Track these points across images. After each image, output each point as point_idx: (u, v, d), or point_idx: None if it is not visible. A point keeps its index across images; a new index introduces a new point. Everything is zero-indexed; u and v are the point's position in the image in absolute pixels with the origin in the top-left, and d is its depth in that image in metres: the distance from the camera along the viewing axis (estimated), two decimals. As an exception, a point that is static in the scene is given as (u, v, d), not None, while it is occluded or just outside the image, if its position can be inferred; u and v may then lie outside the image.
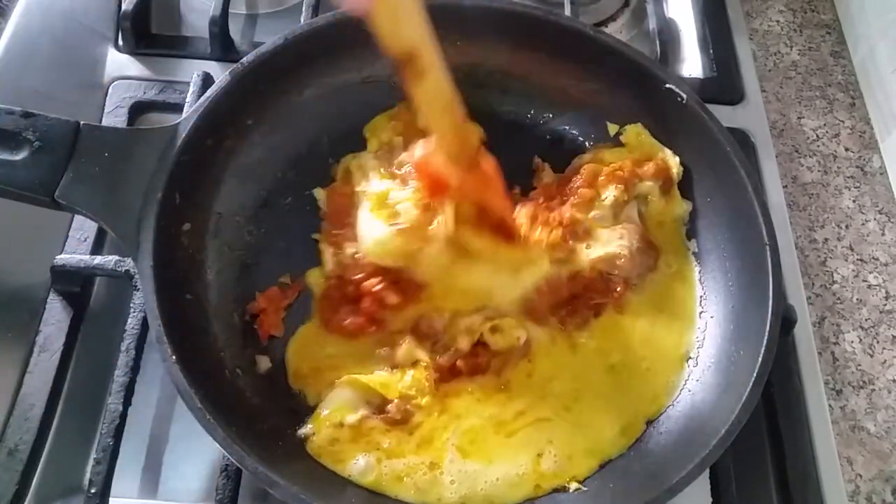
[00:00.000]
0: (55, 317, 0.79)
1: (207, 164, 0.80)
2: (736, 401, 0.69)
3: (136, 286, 0.76)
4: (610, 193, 0.84)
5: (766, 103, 1.04)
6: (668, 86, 0.84)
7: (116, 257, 0.79)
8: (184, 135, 0.75)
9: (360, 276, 0.78)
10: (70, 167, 0.72)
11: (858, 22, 1.14)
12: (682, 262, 0.85)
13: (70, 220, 0.84)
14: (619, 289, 0.81)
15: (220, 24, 0.98)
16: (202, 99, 0.78)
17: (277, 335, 0.78)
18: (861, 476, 0.82)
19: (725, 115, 0.92)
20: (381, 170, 0.84)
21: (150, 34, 1.02)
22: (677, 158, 0.86)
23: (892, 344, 0.91)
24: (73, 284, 0.80)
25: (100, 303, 0.82)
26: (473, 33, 0.89)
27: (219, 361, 0.74)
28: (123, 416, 0.72)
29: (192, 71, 0.93)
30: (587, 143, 0.92)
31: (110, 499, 0.69)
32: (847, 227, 0.99)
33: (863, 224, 1.00)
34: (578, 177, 0.86)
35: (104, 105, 0.94)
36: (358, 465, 0.70)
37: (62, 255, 0.80)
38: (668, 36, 1.07)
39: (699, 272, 0.84)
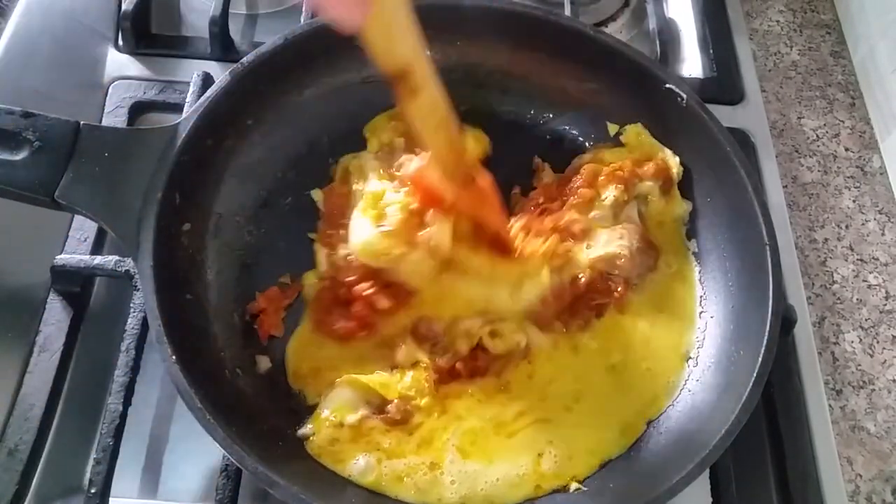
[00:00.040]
0: (55, 317, 0.79)
1: (207, 164, 0.80)
2: (736, 401, 0.69)
3: (136, 286, 0.76)
4: (610, 193, 0.84)
5: (766, 103, 1.04)
6: (668, 86, 0.84)
7: (116, 257, 0.79)
8: (184, 135, 0.75)
9: (352, 278, 0.78)
10: (70, 167, 0.72)
11: (858, 22, 1.14)
12: (682, 262, 0.85)
13: (70, 220, 0.84)
14: (619, 289, 0.81)
15: (220, 24, 0.98)
16: (202, 99, 0.78)
17: (277, 335, 0.78)
18: (861, 476, 0.82)
19: (725, 115, 0.92)
20: (381, 171, 0.84)
21: (150, 34, 1.02)
22: (677, 158, 0.86)
23: (892, 344, 0.91)
24: (73, 284, 0.80)
25: (100, 303, 0.82)
26: (473, 33, 0.89)
27: (219, 361, 0.74)
28: (123, 416, 0.72)
29: (192, 71, 0.93)
30: (587, 143, 0.92)
31: (110, 499, 0.69)
32: (847, 227, 0.99)
33: (863, 224, 1.00)
34: (578, 177, 0.86)
35: (104, 105, 0.94)
36: (358, 466, 0.70)
37: (62, 255, 0.80)
38: (668, 36, 1.07)
39: (699, 272, 0.84)
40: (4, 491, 0.69)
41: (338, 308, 0.78)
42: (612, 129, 0.91)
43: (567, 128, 0.93)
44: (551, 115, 0.94)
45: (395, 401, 0.73)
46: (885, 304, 0.93)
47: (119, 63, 0.99)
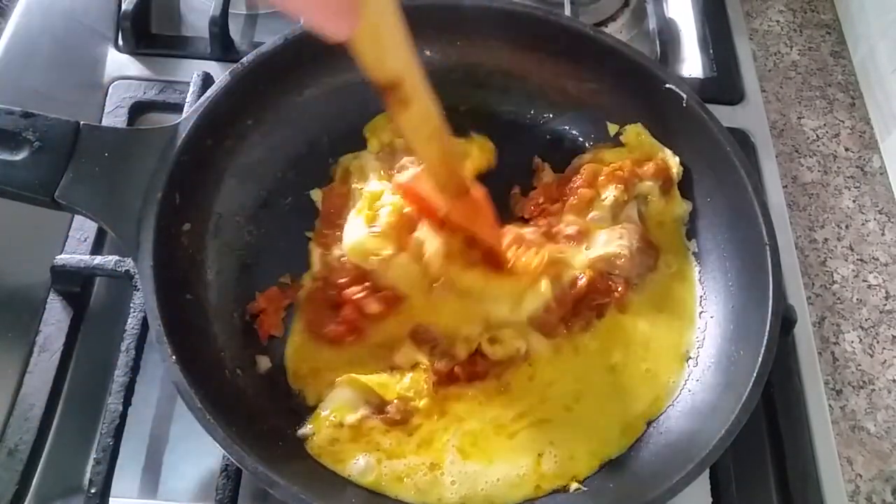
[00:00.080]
0: (55, 317, 0.79)
1: (207, 164, 0.80)
2: (736, 401, 0.69)
3: (136, 286, 0.76)
4: (610, 193, 0.84)
5: (766, 103, 1.04)
6: (668, 86, 0.84)
7: (116, 257, 0.79)
8: (184, 135, 0.75)
9: (343, 280, 0.78)
10: (70, 167, 0.72)
11: (858, 22, 1.14)
12: (682, 262, 0.85)
13: (70, 220, 0.84)
14: (620, 289, 0.80)
15: (220, 24, 0.98)
16: (202, 99, 0.78)
17: (277, 335, 0.78)
18: (861, 476, 0.82)
19: (725, 115, 0.92)
20: (382, 171, 0.84)
21: (150, 34, 1.02)
22: (677, 158, 0.86)
23: (892, 344, 0.91)
24: (73, 284, 0.80)
25: (100, 303, 0.82)
26: (473, 33, 0.89)
27: (219, 361, 0.74)
28: (123, 416, 0.72)
29: (192, 71, 0.93)
30: (587, 143, 0.92)
31: (110, 499, 0.69)
32: (847, 227, 0.99)
33: (863, 224, 1.00)
34: (578, 177, 0.85)
35: (104, 105, 0.94)
36: (358, 465, 0.70)
37: (62, 255, 0.80)
38: (668, 36, 1.07)
39: (699, 272, 0.84)
40: (4, 491, 0.69)
41: (328, 310, 0.78)
42: (612, 129, 0.91)
43: (567, 128, 0.93)
44: (551, 115, 0.94)
45: (395, 401, 0.73)
46: (885, 304, 0.93)
47: (119, 63, 0.99)
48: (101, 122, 0.92)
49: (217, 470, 0.70)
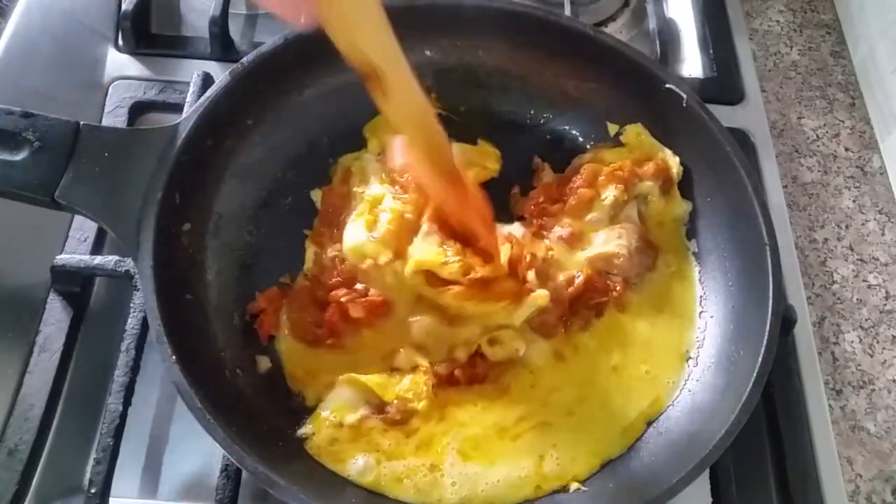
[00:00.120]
0: (55, 317, 0.79)
1: (207, 164, 0.80)
2: (736, 401, 0.69)
3: (136, 286, 0.76)
4: (610, 193, 0.84)
5: (766, 103, 1.04)
6: (668, 86, 0.84)
7: (116, 257, 0.79)
8: (184, 135, 0.75)
9: (333, 281, 0.78)
10: (70, 167, 0.72)
11: (858, 22, 1.14)
12: (681, 262, 0.85)
13: (70, 220, 0.84)
14: (618, 288, 0.80)
15: (220, 24, 0.98)
16: (202, 99, 0.78)
17: (277, 335, 0.78)
18: (861, 476, 0.82)
19: (725, 115, 0.92)
20: (383, 174, 0.84)
21: (150, 34, 1.02)
22: (677, 158, 0.86)
23: (892, 344, 0.91)
24: (73, 284, 0.80)
25: (100, 303, 0.82)
26: (473, 33, 0.89)
27: (219, 361, 0.74)
28: (123, 416, 0.72)
29: (192, 71, 0.93)
30: (587, 143, 0.92)
31: (110, 499, 0.69)
32: (847, 227, 0.99)
33: (863, 224, 1.00)
34: (578, 177, 0.85)
35: (104, 105, 0.94)
36: (357, 465, 0.70)
37: (62, 255, 0.80)
38: (668, 36, 1.07)
39: (699, 272, 0.84)
40: (4, 491, 0.69)
41: (312, 310, 0.78)
42: (612, 129, 0.91)
43: (567, 128, 0.93)
44: (551, 115, 0.93)
45: (395, 401, 0.73)
46: (885, 304, 0.93)
47: (119, 63, 0.99)
48: (101, 122, 0.92)
49: (217, 470, 0.70)
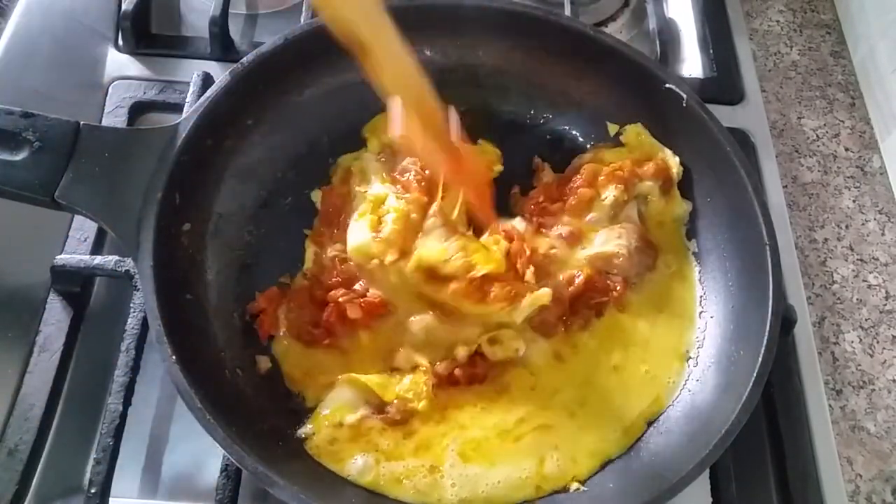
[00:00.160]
0: (55, 317, 0.79)
1: (207, 164, 0.80)
2: (736, 401, 0.69)
3: (136, 286, 0.76)
4: (610, 193, 0.84)
5: (766, 103, 1.05)
6: (668, 86, 0.84)
7: (116, 257, 0.79)
8: (184, 135, 0.75)
9: (332, 281, 0.78)
10: (70, 167, 0.72)
11: (858, 22, 1.14)
12: (681, 262, 0.85)
13: (70, 220, 0.84)
14: (618, 287, 0.81)
15: (220, 24, 0.98)
16: (202, 99, 0.78)
17: (277, 335, 0.78)
18: (861, 476, 0.82)
19: (725, 115, 0.92)
20: (384, 174, 0.84)
21: (150, 34, 1.02)
22: (677, 158, 0.86)
23: (892, 344, 0.91)
24: (73, 284, 0.80)
25: (100, 303, 0.82)
26: (473, 33, 0.89)
27: (219, 361, 0.74)
28: (123, 416, 0.72)
29: (192, 71, 0.93)
30: (587, 143, 0.92)
31: (110, 499, 0.69)
32: (847, 227, 0.99)
33: (863, 224, 1.00)
34: (578, 177, 0.85)
35: (104, 105, 0.94)
36: (356, 465, 0.70)
37: (62, 255, 0.80)
38: (668, 36, 1.07)
39: (699, 272, 0.84)
40: (4, 491, 0.69)
41: (311, 309, 0.78)
42: (612, 129, 0.91)
43: (567, 128, 0.93)
44: (551, 115, 0.94)
45: (395, 401, 0.73)
46: (885, 304, 0.93)
47: (119, 63, 0.99)
48: (101, 122, 0.92)
49: (217, 470, 0.70)
